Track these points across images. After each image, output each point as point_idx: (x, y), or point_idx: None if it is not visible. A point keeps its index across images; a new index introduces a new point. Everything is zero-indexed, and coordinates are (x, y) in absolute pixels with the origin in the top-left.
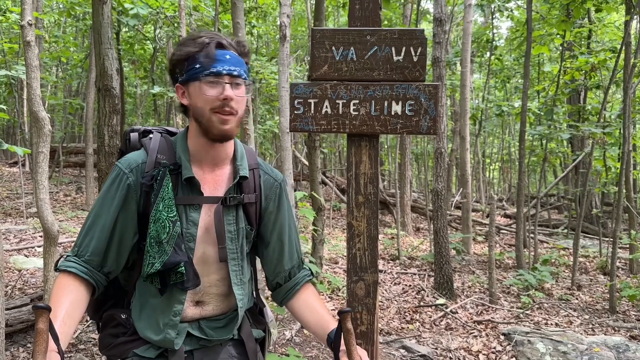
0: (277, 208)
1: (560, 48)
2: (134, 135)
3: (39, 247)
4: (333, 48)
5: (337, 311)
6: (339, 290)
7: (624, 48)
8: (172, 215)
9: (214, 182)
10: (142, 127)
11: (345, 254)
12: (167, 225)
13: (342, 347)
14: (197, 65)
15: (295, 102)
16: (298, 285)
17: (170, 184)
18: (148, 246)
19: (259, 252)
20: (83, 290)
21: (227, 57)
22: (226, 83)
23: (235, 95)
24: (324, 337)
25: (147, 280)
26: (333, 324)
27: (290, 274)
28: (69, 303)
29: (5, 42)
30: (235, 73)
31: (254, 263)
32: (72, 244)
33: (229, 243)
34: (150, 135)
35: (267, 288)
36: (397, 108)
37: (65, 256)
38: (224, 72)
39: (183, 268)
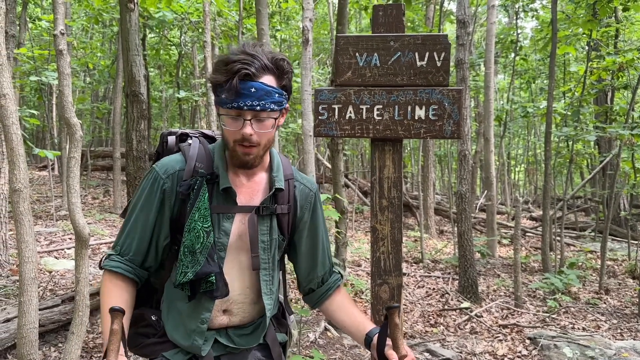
0: (311, 217)
1: (587, 48)
2: (171, 139)
3: (68, 249)
4: (357, 54)
5: (385, 307)
6: (362, 293)
7: None
8: (206, 225)
9: (250, 191)
10: (179, 130)
11: (368, 256)
12: (202, 235)
13: (388, 342)
14: (223, 96)
15: (320, 107)
16: (331, 290)
17: (207, 193)
18: (181, 255)
19: (292, 258)
20: (131, 289)
21: (253, 90)
22: (247, 120)
23: (257, 130)
24: (361, 337)
25: (177, 287)
26: (370, 325)
27: (322, 279)
28: (124, 305)
29: (36, 50)
30: (257, 108)
31: (284, 269)
32: (101, 245)
33: (262, 253)
34: (189, 141)
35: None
36: (420, 113)
37: (108, 255)
38: (245, 107)
39: (213, 277)
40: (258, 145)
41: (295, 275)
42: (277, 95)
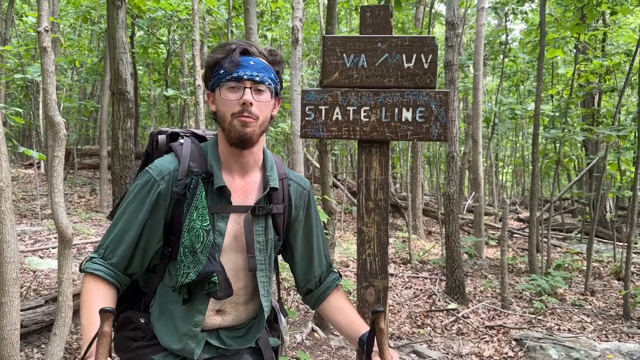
0: (305, 216)
1: (575, 51)
2: (162, 138)
3: (53, 248)
4: (344, 55)
5: (370, 311)
6: (350, 294)
7: (639, 50)
8: (205, 224)
9: (245, 190)
10: (169, 129)
11: (356, 257)
12: (202, 234)
13: (375, 347)
14: (222, 71)
15: (307, 108)
16: (329, 290)
17: (204, 192)
18: (182, 256)
19: (288, 259)
20: (112, 294)
21: (252, 62)
22: (247, 87)
23: (256, 100)
24: (355, 339)
25: (175, 291)
26: (364, 327)
27: (320, 279)
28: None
29: (21, 47)
30: (257, 79)
31: (277, 271)
32: (87, 244)
33: (258, 254)
34: (181, 141)
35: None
36: (407, 115)
37: (90, 257)
38: (245, 77)
39: (216, 277)
40: (257, 119)
41: (289, 278)
42: (272, 74)
